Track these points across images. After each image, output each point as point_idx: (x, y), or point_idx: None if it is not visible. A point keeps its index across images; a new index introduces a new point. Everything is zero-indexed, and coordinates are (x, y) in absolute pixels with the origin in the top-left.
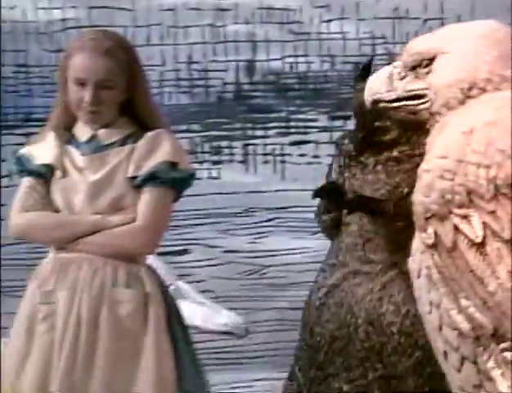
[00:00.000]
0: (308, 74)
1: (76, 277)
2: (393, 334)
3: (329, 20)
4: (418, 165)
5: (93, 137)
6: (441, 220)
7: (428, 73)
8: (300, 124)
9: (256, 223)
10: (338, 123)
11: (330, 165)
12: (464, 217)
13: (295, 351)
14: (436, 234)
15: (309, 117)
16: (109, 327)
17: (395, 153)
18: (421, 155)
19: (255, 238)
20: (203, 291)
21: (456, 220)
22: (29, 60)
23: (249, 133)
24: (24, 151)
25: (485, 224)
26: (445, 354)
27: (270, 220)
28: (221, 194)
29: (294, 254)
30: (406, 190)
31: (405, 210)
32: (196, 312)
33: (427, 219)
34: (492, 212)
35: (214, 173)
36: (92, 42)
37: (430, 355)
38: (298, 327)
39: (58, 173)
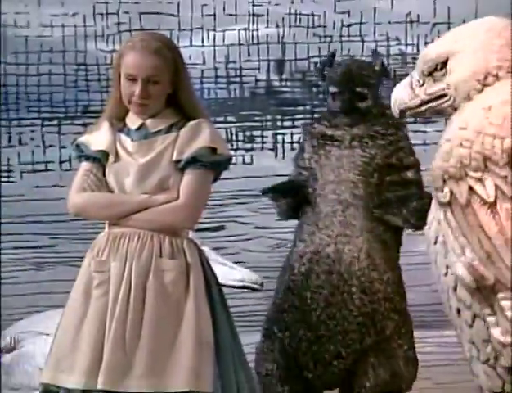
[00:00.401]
0: None
1: (127, 249)
2: (380, 300)
3: (349, 25)
4: (391, 142)
5: (142, 126)
6: (457, 182)
7: (444, 74)
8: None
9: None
10: None
11: (301, 149)
12: (479, 180)
13: (270, 313)
14: (451, 193)
15: None
16: (155, 293)
17: (370, 132)
18: (393, 135)
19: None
20: (236, 262)
21: (471, 182)
22: (87, 59)
23: (278, 123)
24: (82, 138)
25: (497, 187)
26: (458, 311)
27: None
28: (253, 177)
29: None
30: (380, 161)
31: (380, 179)
32: (217, 270)
33: (444, 181)
34: (504, 177)
35: (247, 159)
36: (142, 42)
37: (405, 319)
38: None
39: (111, 158)
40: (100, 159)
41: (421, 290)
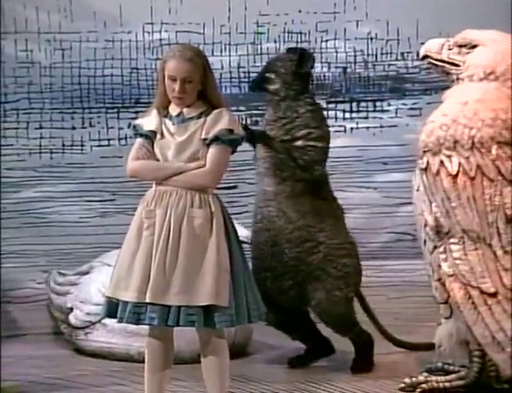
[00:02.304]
0: (313, 75)
1: (168, 202)
2: (302, 243)
3: (326, 40)
4: (286, 123)
5: (180, 113)
6: (432, 155)
7: (467, 53)
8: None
9: None
10: (331, 105)
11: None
12: (448, 156)
13: None
14: (428, 163)
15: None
16: (187, 233)
17: (274, 117)
18: (289, 117)
19: None
20: (240, 213)
21: (443, 157)
22: (138, 65)
23: None
24: (137, 121)
25: (460, 164)
26: (424, 242)
27: None
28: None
29: None
30: (277, 139)
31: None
32: None
33: (424, 151)
34: (467, 157)
35: None
36: (180, 52)
37: (329, 251)
38: None
39: (158, 136)
40: (150, 136)
41: None
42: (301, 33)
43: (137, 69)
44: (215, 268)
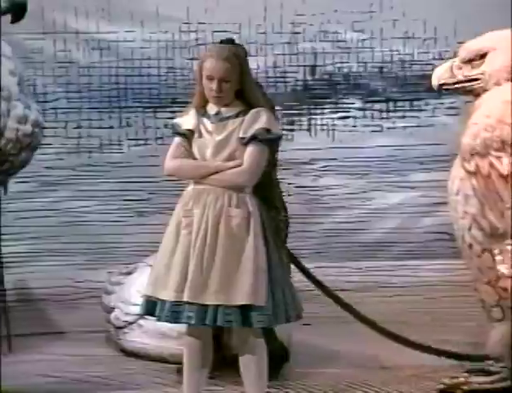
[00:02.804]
0: (350, 74)
1: (206, 201)
2: None
3: (363, 40)
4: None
5: (218, 112)
6: (481, 157)
7: (481, 64)
8: (344, 105)
9: (315, 168)
10: (368, 105)
11: None
12: (498, 158)
13: None
14: (477, 165)
15: (350, 101)
16: (225, 233)
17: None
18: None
19: (315, 178)
20: None
21: (492, 159)
22: (174, 64)
23: (312, 111)
24: (176, 120)
25: (511, 164)
26: (470, 245)
27: (324, 167)
28: (293, 150)
29: (338, 188)
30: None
31: None
32: None
33: (472, 155)
34: None
35: (289, 137)
36: (217, 52)
37: None
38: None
39: (196, 135)
40: (188, 135)
41: None
42: (337, 32)
43: (174, 68)
44: (252, 268)
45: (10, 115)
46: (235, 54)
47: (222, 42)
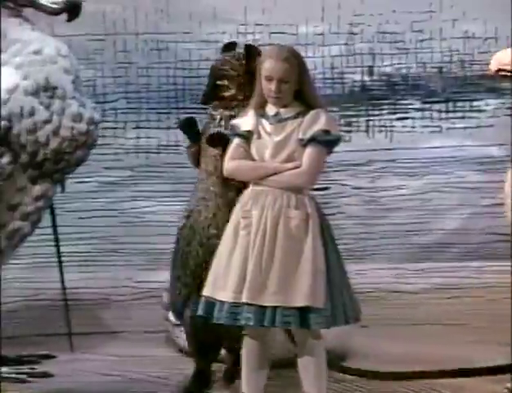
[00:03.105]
0: (408, 74)
1: (264, 202)
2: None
3: (422, 40)
4: None
5: (277, 113)
6: None
7: None
8: (403, 106)
9: (373, 169)
10: (427, 106)
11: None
12: None
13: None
14: None
15: (408, 102)
16: (283, 234)
17: (232, 112)
18: None
19: (373, 179)
20: (333, 214)
21: None
22: None
23: (370, 112)
24: (235, 121)
25: None
26: None
27: (382, 168)
28: (351, 151)
29: (396, 189)
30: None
31: None
32: None
33: None
34: None
35: (347, 138)
36: (276, 52)
37: None
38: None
39: (255, 136)
40: (247, 136)
41: None
42: (395, 33)
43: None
44: (311, 269)
45: (65, 113)
46: (294, 55)
47: (225, 45)
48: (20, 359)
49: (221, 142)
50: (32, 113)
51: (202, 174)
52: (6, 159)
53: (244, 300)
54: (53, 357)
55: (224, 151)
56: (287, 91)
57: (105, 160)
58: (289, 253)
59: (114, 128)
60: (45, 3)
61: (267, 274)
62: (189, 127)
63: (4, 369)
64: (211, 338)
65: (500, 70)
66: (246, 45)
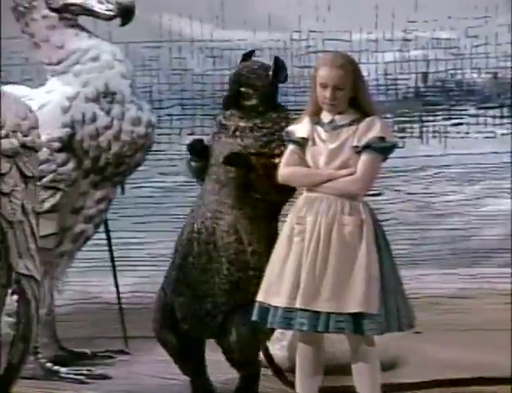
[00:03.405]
0: (463, 80)
1: (318, 208)
2: (245, 269)
3: (477, 46)
4: (265, 134)
5: (332, 120)
6: None
7: None
8: (457, 112)
9: (427, 175)
10: (481, 111)
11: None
12: None
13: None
14: None
15: (463, 108)
16: (337, 241)
17: (250, 124)
18: (269, 128)
19: (427, 185)
20: (386, 220)
21: None
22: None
23: (424, 118)
24: (290, 128)
25: None
26: None
27: (436, 173)
28: (405, 157)
29: (450, 195)
30: (253, 150)
31: (252, 166)
32: None
33: None
34: None
35: (401, 144)
36: (331, 59)
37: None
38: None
39: (310, 143)
40: (301, 143)
41: None
42: (450, 39)
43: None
44: (365, 276)
45: (124, 117)
46: (348, 61)
47: (246, 54)
48: (94, 356)
49: (238, 162)
50: (93, 119)
51: (211, 186)
52: (71, 165)
53: (298, 305)
54: (127, 353)
55: (244, 168)
56: (342, 98)
57: (160, 166)
58: (342, 259)
59: (169, 134)
60: (99, 10)
61: (321, 280)
62: (199, 149)
63: (63, 370)
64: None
65: None
66: (275, 57)
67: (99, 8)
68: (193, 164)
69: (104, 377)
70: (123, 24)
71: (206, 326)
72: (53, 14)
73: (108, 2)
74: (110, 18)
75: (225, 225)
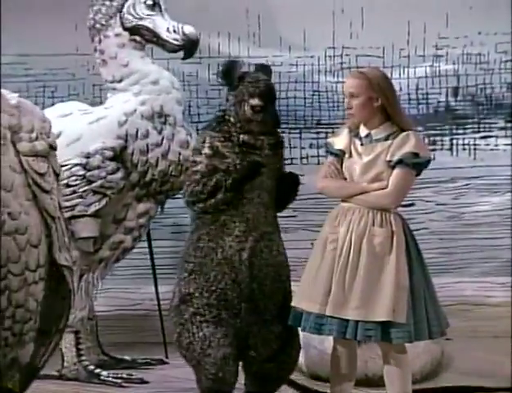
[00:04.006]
0: (492, 95)
1: (351, 218)
2: (287, 281)
3: (506, 61)
4: None
5: (369, 134)
6: None
7: None
8: (486, 125)
9: (457, 186)
10: (510, 124)
11: (216, 151)
12: None
13: (211, 301)
14: None
15: (492, 121)
16: (367, 251)
17: (277, 140)
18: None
19: (457, 196)
20: (417, 229)
21: None
22: (320, 87)
23: (454, 131)
24: (329, 140)
25: None
26: None
27: (466, 185)
28: (435, 169)
29: (481, 205)
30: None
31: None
32: None
33: None
34: None
35: (431, 156)
36: (354, 71)
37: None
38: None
39: (347, 155)
40: (339, 154)
41: None
42: (480, 54)
43: (319, 91)
44: (393, 286)
45: (174, 139)
46: (371, 72)
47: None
48: (134, 362)
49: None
50: (146, 135)
51: (255, 207)
52: (119, 174)
53: (327, 313)
54: (166, 362)
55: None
56: (358, 107)
57: None
58: (372, 269)
59: None
60: (166, 37)
61: (350, 289)
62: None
63: (104, 373)
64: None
65: None
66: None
67: (166, 36)
68: (220, 196)
69: (142, 381)
70: (186, 57)
71: (271, 349)
72: (125, 33)
73: (175, 32)
74: (174, 48)
75: (274, 244)
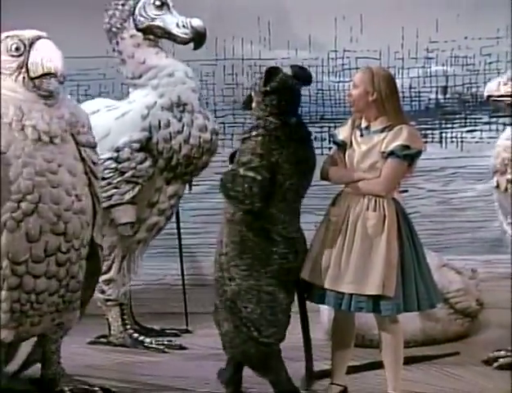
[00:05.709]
0: (477, 93)
1: (349, 203)
2: None
3: (490, 63)
4: None
5: (368, 126)
6: (500, 174)
7: None
8: (472, 120)
9: (445, 175)
10: (493, 119)
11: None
12: None
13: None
14: (497, 181)
15: (477, 116)
16: (361, 232)
17: None
18: None
19: (445, 183)
20: (410, 213)
21: (509, 176)
22: (323, 86)
23: (443, 125)
24: (335, 130)
25: None
26: None
27: (453, 173)
28: (426, 159)
29: (465, 192)
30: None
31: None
32: None
33: (494, 172)
34: None
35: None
36: (365, 67)
37: None
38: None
39: (348, 145)
40: (342, 145)
41: None
42: (466, 57)
43: (323, 90)
44: (383, 264)
45: (193, 125)
46: (374, 69)
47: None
48: (162, 332)
49: None
50: (167, 125)
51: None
52: (147, 163)
53: (325, 286)
54: (190, 332)
55: None
56: (356, 96)
57: (215, 167)
58: (364, 248)
59: (223, 139)
60: (176, 32)
61: (346, 266)
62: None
63: (147, 340)
64: None
65: (489, 97)
66: (272, 67)
67: (176, 31)
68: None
69: (182, 347)
70: (196, 47)
71: None
72: (139, 33)
73: (184, 27)
74: (185, 41)
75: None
